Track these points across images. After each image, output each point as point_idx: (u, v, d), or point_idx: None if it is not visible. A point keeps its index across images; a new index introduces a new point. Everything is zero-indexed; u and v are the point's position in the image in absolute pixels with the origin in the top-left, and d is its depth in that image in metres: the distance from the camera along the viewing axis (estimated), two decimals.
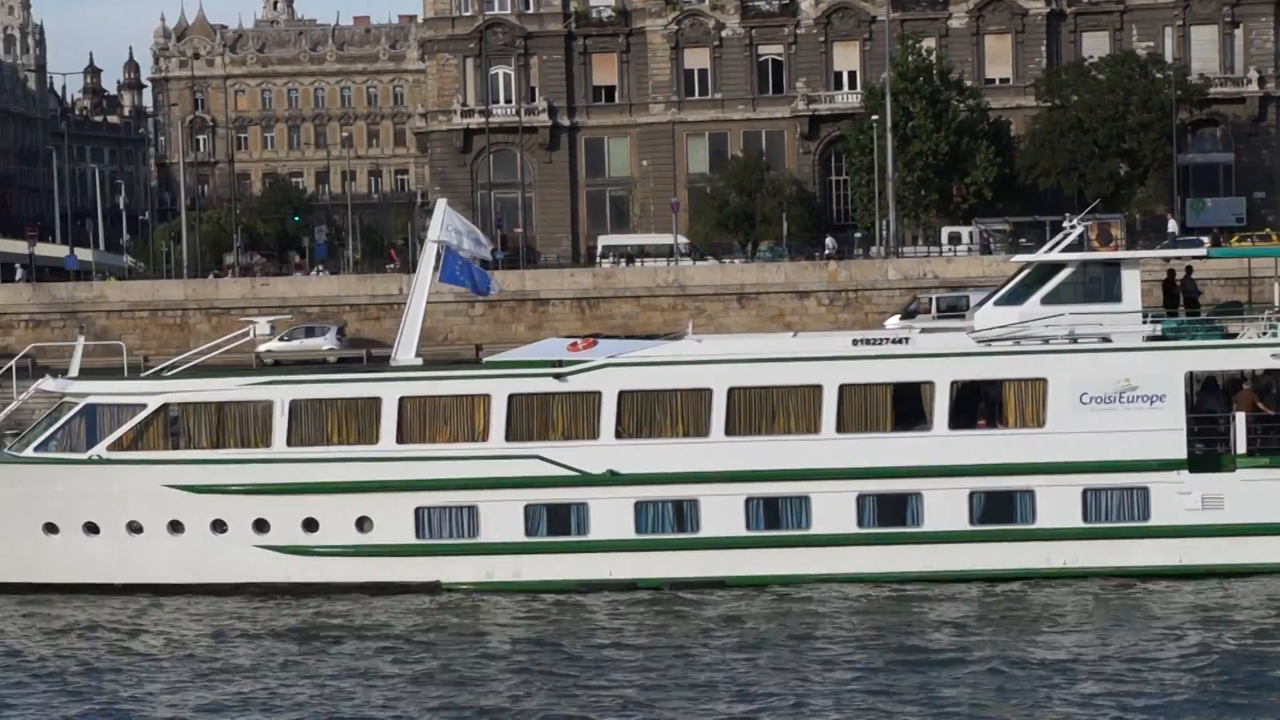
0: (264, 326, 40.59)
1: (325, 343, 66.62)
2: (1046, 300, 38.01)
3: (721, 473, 36.75)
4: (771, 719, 27.77)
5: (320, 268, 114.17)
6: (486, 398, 37.17)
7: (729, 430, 36.98)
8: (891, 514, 36.79)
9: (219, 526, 37.14)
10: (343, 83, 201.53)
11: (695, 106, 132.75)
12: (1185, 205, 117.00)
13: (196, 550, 37.25)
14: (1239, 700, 28.30)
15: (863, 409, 36.97)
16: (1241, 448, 36.79)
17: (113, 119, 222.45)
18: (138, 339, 72.56)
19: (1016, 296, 38.43)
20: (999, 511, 36.72)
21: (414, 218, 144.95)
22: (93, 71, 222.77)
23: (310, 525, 37.05)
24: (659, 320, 76.59)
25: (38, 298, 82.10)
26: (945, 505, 36.64)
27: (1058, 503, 36.58)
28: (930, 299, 72.49)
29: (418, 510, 36.99)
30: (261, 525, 37.08)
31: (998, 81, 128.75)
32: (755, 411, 37.05)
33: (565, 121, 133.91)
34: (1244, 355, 37.61)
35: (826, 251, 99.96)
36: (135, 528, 37.33)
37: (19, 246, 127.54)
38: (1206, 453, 37.07)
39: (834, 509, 36.71)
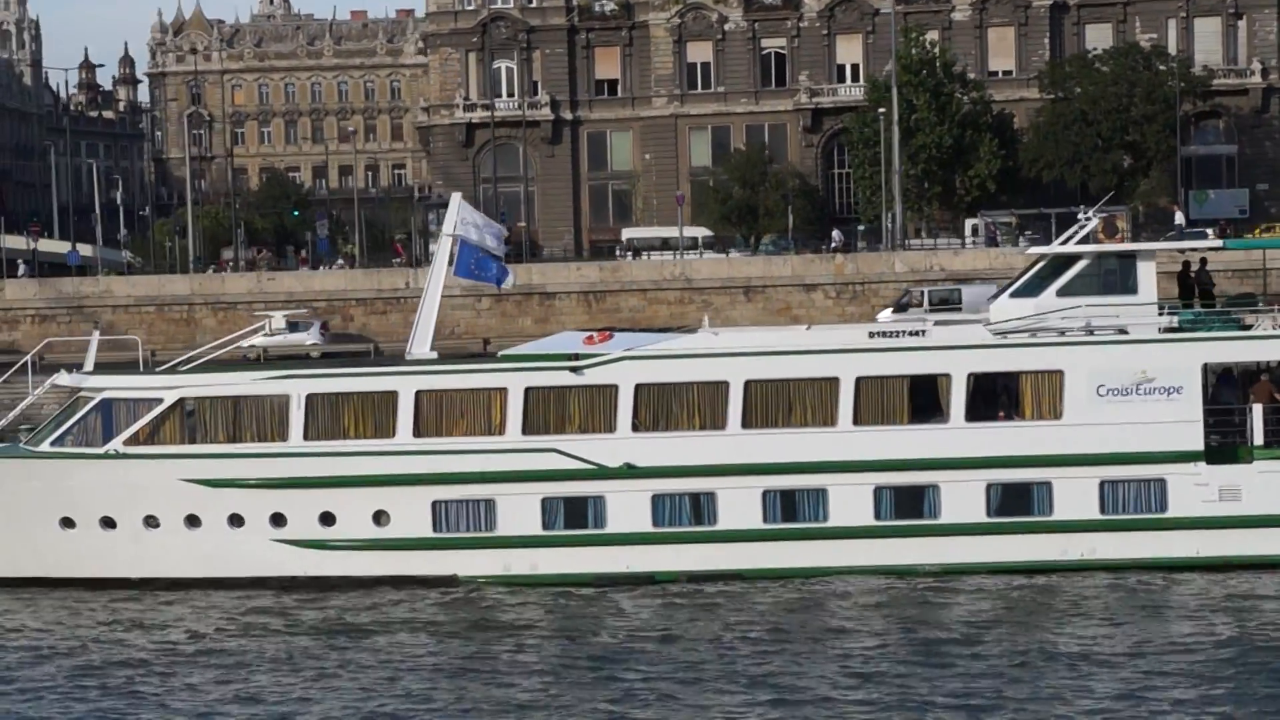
0: (279, 321, 40.44)
1: (309, 338, 66.62)
2: (1062, 292, 38.02)
3: (738, 465, 36.76)
4: (790, 712, 27.70)
5: (340, 261, 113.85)
6: (503, 391, 37.16)
7: (746, 423, 36.97)
8: (908, 506, 36.79)
9: (236, 520, 37.14)
10: (340, 77, 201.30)
11: (698, 100, 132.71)
12: (1188, 197, 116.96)
13: (213, 544, 37.23)
14: (1257, 692, 28.32)
15: (879, 401, 36.98)
16: (1259, 439, 36.84)
17: (108, 114, 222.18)
18: (144, 334, 72.32)
19: (1032, 289, 38.42)
20: (1016, 503, 36.73)
21: (411, 211, 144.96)
22: (88, 67, 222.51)
23: (327, 519, 37.04)
24: (666, 313, 76.60)
25: (44, 293, 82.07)
26: (962, 497, 36.65)
27: (1075, 494, 36.58)
28: (922, 292, 72.60)
29: (435, 504, 36.97)
30: (278, 519, 37.07)
31: (1000, 74, 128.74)
32: (772, 404, 37.06)
33: (568, 115, 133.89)
34: (1261, 347, 37.65)
35: (832, 244, 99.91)
36: (152, 522, 37.32)
37: (17, 242, 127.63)
38: (1224, 444, 37.10)
39: (851, 501, 36.71)
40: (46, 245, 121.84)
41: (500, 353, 39.54)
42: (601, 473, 36.81)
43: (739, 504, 36.77)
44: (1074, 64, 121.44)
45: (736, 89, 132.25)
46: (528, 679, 29.89)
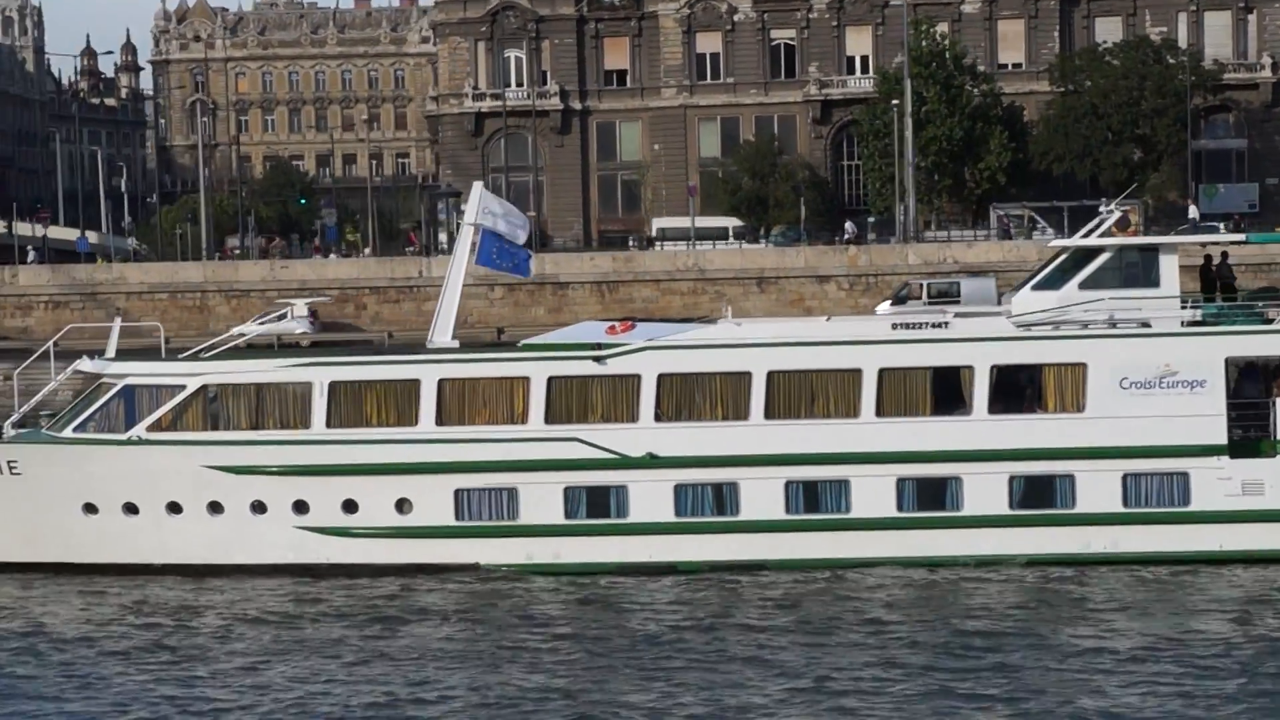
0: (302, 309, 40.44)
1: (299, 326, 66.47)
2: (1084, 285, 38.01)
3: (761, 456, 36.77)
4: (815, 703, 27.68)
5: (367, 249, 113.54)
6: (526, 380, 37.20)
7: (768, 414, 37.00)
8: (931, 498, 36.82)
9: (258, 508, 37.17)
10: (344, 66, 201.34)
11: (707, 91, 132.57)
12: (1198, 192, 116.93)
13: (236, 531, 37.29)
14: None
15: (902, 393, 37.01)
16: None
17: (110, 101, 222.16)
18: (157, 320, 72.32)
19: (1054, 281, 38.43)
20: (1039, 496, 36.75)
21: (416, 200, 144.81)
22: (89, 54, 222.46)
23: (350, 507, 37.08)
24: (679, 304, 76.54)
25: (57, 279, 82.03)
26: (985, 489, 36.66)
27: (1098, 487, 36.60)
28: (921, 285, 72.55)
29: (457, 492, 37.02)
30: (301, 506, 37.11)
31: (1010, 67, 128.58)
32: (795, 395, 37.09)
33: (577, 105, 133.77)
34: None
35: (846, 236, 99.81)
36: (175, 508, 37.36)
37: (22, 229, 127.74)
38: (1246, 438, 37.08)
39: (873, 493, 36.74)
40: (55, 232, 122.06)
41: (522, 342, 39.55)
42: (624, 462, 36.84)
43: (761, 494, 36.80)
44: (1084, 57, 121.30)
45: (746, 80, 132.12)
46: (562, 667, 29.91)
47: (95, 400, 38.11)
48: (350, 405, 37.37)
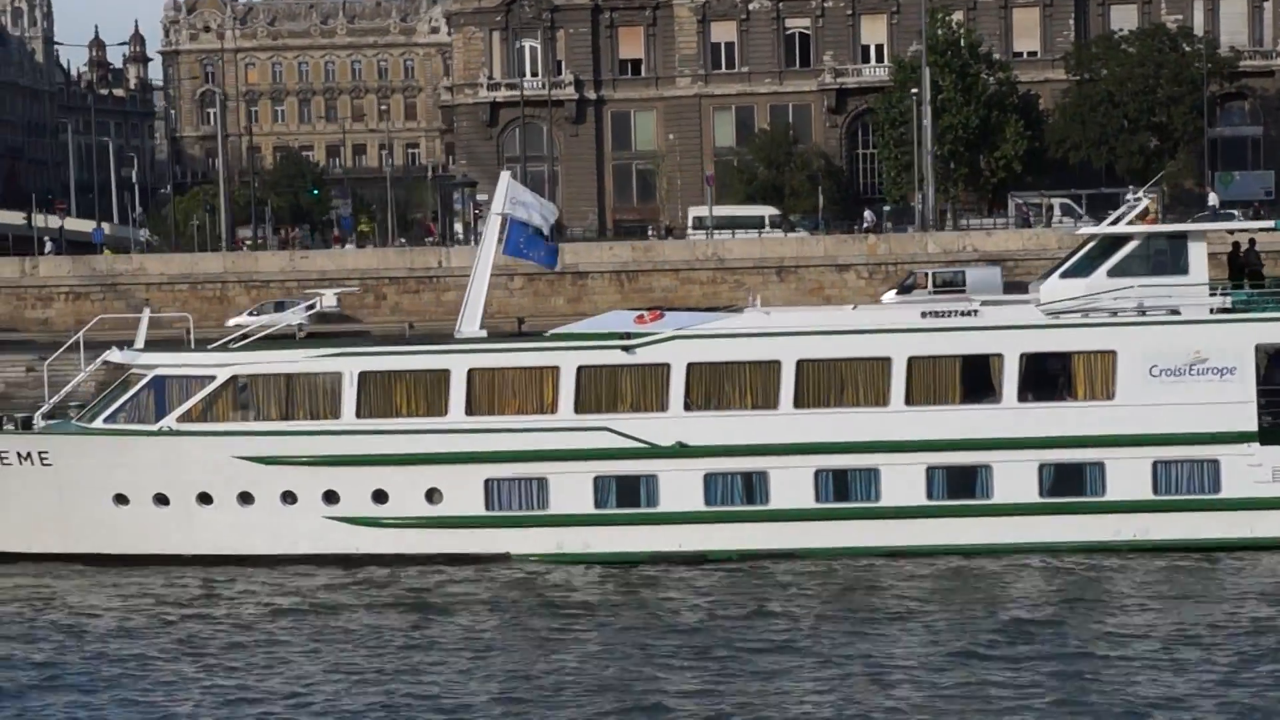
0: (330, 299, 40.53)
1: (295, 318, 66.66)
2: (1113, 273, 37.98)
3: (790, 445, 36.79)
4: (847, 692, 27.67)
5: (402, 240, 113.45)
6: (555, 370, 37.22)
7: (798, 403, 37.01)
8: (961, 486, 36.81)
9: (289, 498, 37.22)
10: (353, 56, 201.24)
11: (722, 80, 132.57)
12: (1214, 179, 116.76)
13: (266, 521, 37.31)
14: None
15: (932, 381, 37.01)
16: None
17: (118, 92, 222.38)
18: (178, 311, 72.58)
19: (1083, 269, 38.39)
20: (1069, 484, 36.74)
21: (427, 190, 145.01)
22: (98, 45, 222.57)
23: (380, 497, 37.11)
24: (698, 294, 76.58)
25: (77, 270, 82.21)
26: (1015, 477, 36.66)
27: (1128, 475, 36.59)
28: (927, 274, 72.66)
29: (487, 482, 37.04)
30: (331, 497, 37.15)
31: (1025, 55, 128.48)
32: (824, 384, 37.09)
33: (592, 95, 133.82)
34: None
35: (865, 225, 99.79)
36: (205, 499, 37.42)
37: (15, 217, 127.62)
38: (1277, 425, 37.03)
39: (903, 481, 36.75)
40: (70, 224, 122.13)
41: (551, 331, 39.56)
42: (654, 451, 36.86)
43: (791, 483, 36.80)
44: (1100, 45, 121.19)
45: (760, 69, 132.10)
46: (596, 657, 29.94)
47: (125, 391, 38.16)
48: (380, 395, 37.40)
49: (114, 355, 39.16)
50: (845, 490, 36.93)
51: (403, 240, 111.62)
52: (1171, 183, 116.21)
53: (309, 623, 32.97)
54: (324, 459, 37.06)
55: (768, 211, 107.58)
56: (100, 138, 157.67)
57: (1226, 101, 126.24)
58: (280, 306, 72.71)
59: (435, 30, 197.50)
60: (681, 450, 36.86)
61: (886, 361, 36.98)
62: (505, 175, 40.92)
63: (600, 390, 37.19)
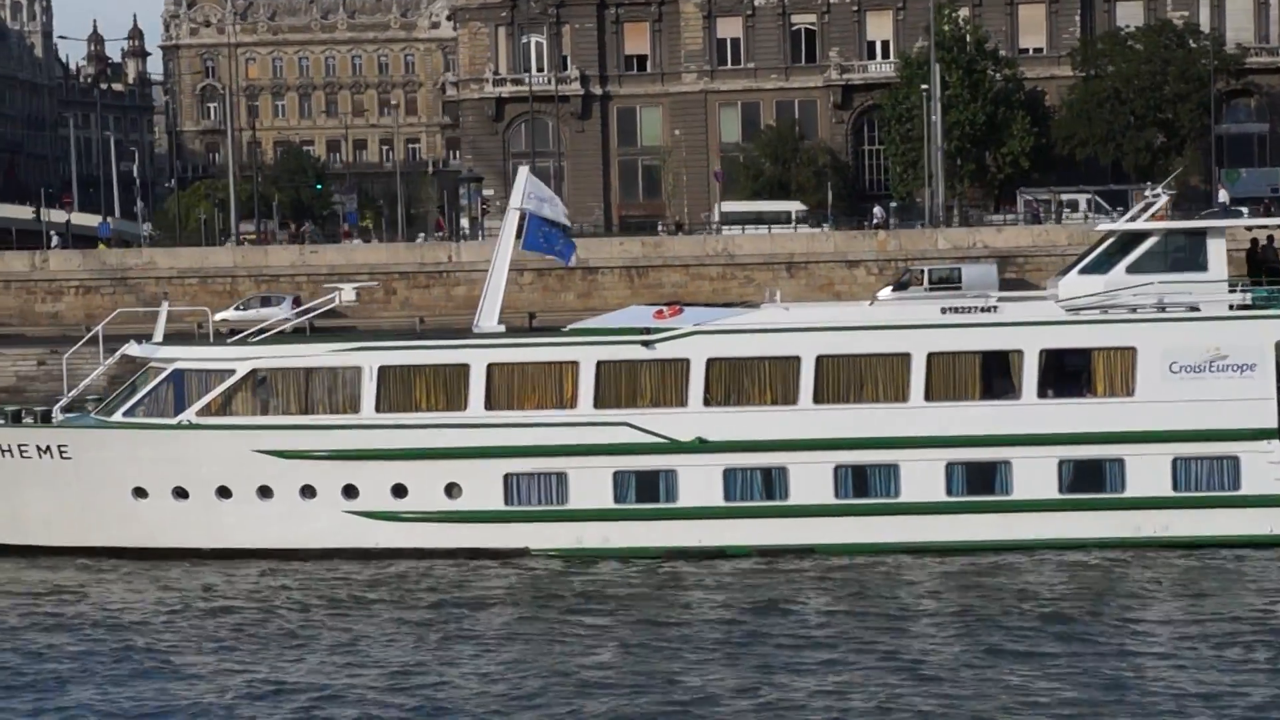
0: (349, 293, 40.39)
1: (281, 313, 66.74)
2: (1132, 269, 37.99)
3: (810, 440, 36.76)
4: (861, 690, 27.65)
5: (430, 235, 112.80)
6: (575, 365, 37.21)
7: (817, 398, 36.99)
8: (980, 482, 36.81)
9: (308, 492, 37.20)
10: (354, 51, 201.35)
11: (728, 76, 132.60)
12: (1220, 176, 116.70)
13: (285, 516, 37.31)
14: None
15: (951, 377, 37.00)
16: None
17: (117, 87, 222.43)
18: (188, 305, 72.57)
19: (1101, 265, 38.41)
20: (1088, 480, 36.74)
21: (427, 185, 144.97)
22: (97, 39, 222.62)
23: (399, 491, 37.11)
24: (708, 289, 76.54)
25: (87, 264, 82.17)
26: (1034, 474, 36.66)
27: (1147, 472, 36.60)
28: (923, 271, 72.76)
29: (507, 477, 37.04)
30: (350, 491, 37.14)
31: (1031, 51, 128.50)
32: (844, 379, 37.07)
33: (597, 90, 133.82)
34: None
35: (874, 221, 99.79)
36: (224, 493, 37.41)
37: (20, 211, 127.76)
38: None
39: (923, 477, 36.74)
40: (75, 218, 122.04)
41: (570, 326, 39.57)
42: (673, 447, 36.85)
43: (810, 479, 36.80)
44: (1107, 42, 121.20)
45: (766, 65, 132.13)
46: (617, 653, 29.92)
47: (144, 384, 38.15)
48: (399, 389, 37.40)
49: (133, 349, 39.16)
50: (864, 486, 36.92)
51: (428, 234, 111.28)
52: (1179, 180, 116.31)
53: (336, 617, 32.93)
54: (343, 453, 37.05)
55: (794, 206, 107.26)
56: (100, 132, 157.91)
57: (1232, 98, 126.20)
58: (265, 301, 72.87)
59: (436, 25, 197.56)
60: (701, 445, 36.87)
61: (906, 357, 36.98)
62: (524, 170, 40.95)
63: (620, 385, 37.17)
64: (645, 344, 37.22)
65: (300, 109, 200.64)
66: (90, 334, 40.94)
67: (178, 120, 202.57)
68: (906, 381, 36.95)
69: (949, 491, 36.82)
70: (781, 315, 38.51)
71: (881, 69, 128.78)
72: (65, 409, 39.55)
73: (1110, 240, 38.87)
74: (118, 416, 37.97)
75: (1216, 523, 36.55)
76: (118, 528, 37.80)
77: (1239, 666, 28.53)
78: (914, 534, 36.79)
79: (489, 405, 37.20)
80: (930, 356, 36.94)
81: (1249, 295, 38.01)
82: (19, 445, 37.77)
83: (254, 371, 37.67)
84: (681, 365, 37.09)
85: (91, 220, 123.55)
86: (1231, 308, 37.68)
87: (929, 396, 36.93)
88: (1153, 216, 40.04)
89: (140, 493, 37.62)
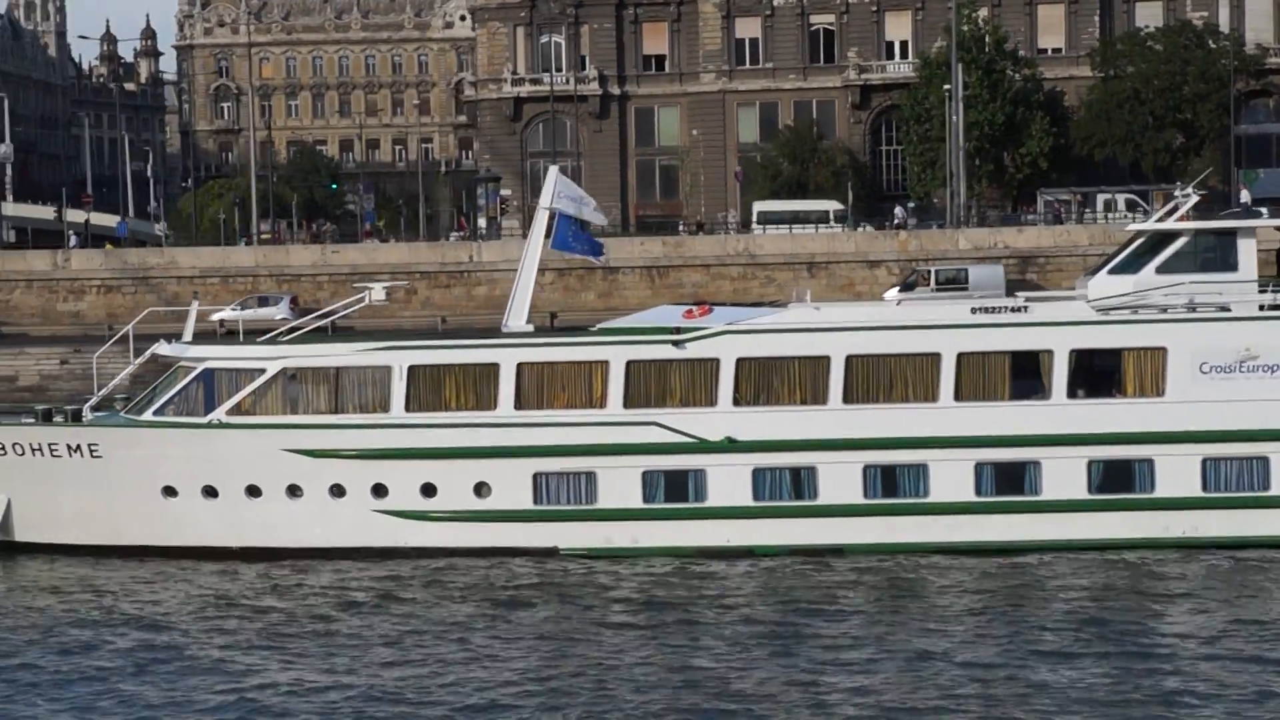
0: (379, 293, 40.43)
1: (278, 312, 66.81)
2: (1161, 269, 38.01)
3: (839, 440, 36.77)
4: (892, 690, 27.63)
5: (455, 234, 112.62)
6: (605, 364, 37.23)
7: (847, 398, 37.00)
8: (1009, 482, 36.79)
9: (337, 491, 37.25)
10: (367, 51, 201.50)
11: (746, 76, 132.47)
12: (1239, 177, 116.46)
13: (314, 515, 37.37)
14: None
15: (981, 377, 36.98)
16: None
17: (129, 86, 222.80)
18: (210, 305, 72.67)
19: (1131, 265, 38.41)
20: (1118, 480, 36.72)
21: (441, 185, 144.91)
22: (109, 39, 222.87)
23: (428, 490, 37.14)
24: (729, 289, 76.47)
25: (109, 263, 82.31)
26: (1064, 474, 36.64)
27: (1177, 472, 36.57)
28: (930, 271, 72.78)
29: (536, 476, 37.06)
30: (380, 490, 37.19)
31: (1050, 52, 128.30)
32: (873, 379, 37.07)
33: (615, 90, 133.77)
34: None
35: (895, 221, 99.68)
36: (254, 492, 37.46)
37: (35, 211, 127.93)
38: None
39: (952, 477, 36.73)
40: (93, 218, 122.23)
41: (599, 325, 39.58)
42: (702, 446, 36.87)
43: (839, 479, 36.80)
44: (1126, 42, 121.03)
45: (785, 65, 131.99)
46: (649, 652, 29.95)
47: (174, 384, 38.21)
48: (429, 389, 37.44)
49: (162, 348, 39.22)
50: (894, 486, 36.92)
51: (444, 234, 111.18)
52: (1195, 181, 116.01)
53: (373, 616, 33.00)
54: (373, 452, 37.10)
55: (832, 206, 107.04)
56: (112, 132, 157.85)
57: (1251, 99, 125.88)
58: (263, 301, 72.96)
59: (449, 25, 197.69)
60: (730, 445, 36.87)
61: (936, 357, 36.97)
62: (554, 170, 41.01)
63: (649, 385, 37.20)
64: (675, 343, 37.23)
65: (314, 109, 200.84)
66: (120, 333, 41.00)
67: (192, 120, 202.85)
68: (936, 381, 36.94)
69: (978, 492, 36.81)
70: (811, 315, 38.52)
71: (900, 69, 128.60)
72: (95, 408, 39.60)
73: (1140, 240, 38.86)
74: (148, 415, 38.07)
75: (1246, 523, 36.53)
76: (148, 526, 37.90)
77: (1267, 667, 28.53)
78: (943, 534, 36.79)
79: (518, 405, 37.24)
80: (960, 356, 36.94)
81: (1279, 295, 37.93)
82: (50, 444, 37.87)
83: (284, 371, 37.71)
84: (711, 365, 37.10)
85: (109, 220, 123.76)
86: (1262, 308, 37.62)
87: (959, 396, 36.92)
88: (1179, 218, 40.07)
89: (170, 491, 37.71)
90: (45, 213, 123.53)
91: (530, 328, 39.32)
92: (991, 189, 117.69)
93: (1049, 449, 36.67)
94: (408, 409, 37.35)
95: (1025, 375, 37.22)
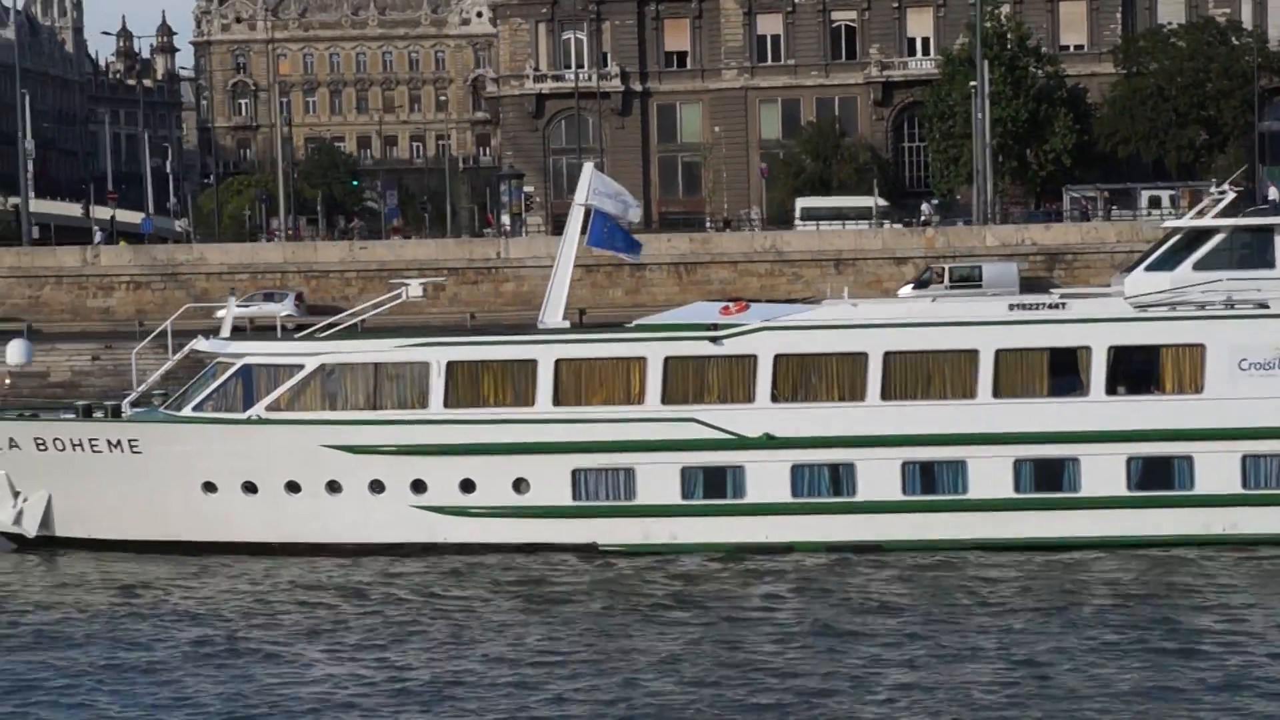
0: (416, 289, 40.51)
1: (283, 309, 66.96)
2: (1199, 266, 37.98)
3: (878, 437, 36.79)
4: (934, 687, 27.65)
5: (493, 229, 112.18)
6: (643, 361, 37.27)
7: (885, 394, 37.01)
8: (1048, 479, 36.79)
9: (376, 487, 37.35)
10: (384, 48, 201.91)
11: (768, 72, 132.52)
12: (1262, 174, 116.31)
13: (353, 510, 37.46)
14: None
15: (1019, 374, 36.99)
16: None
17: (146, 83, 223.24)
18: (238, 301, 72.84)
19: (1167, 262, 38.39)
20: (1157, 477, 36.69)
21: (455, 181, 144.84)
22: (125, 35, 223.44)
23: (467, 486, 37.23)
24: (756, 285, 76.49)
25: (138, 260, 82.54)
26: (1103, 471, 36.63)
27: (1216, 468, 36.53)
28: (944, 269, 72.85)
29: (574, 472, 37.12)
30: (419, 486, 37.28)
31: (1072, 48, 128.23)
32: (911, 376, 37.08)
33: (637, 87, 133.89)
34: None
35: (922, 218, 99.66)
36: (293, 487, 37.57)
37: (57, 207, 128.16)
38: None
39: (990, 474, 36.72)
40: (107, 212, 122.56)
41: (636, 322, 39.64)
42: (740, 443, 36.89)
43: (878, 475, 36.81)
44: (1149, 39, 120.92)
45: (807, 62, 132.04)
46: (703, 648, 29.99)
47: (213, 380, 38.33)
48: (468, 385, 37.49)
49: (201, 344, 39.31)
50: (932, 482, 36.93)
51: (491, 229, 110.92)
52: (1219, 178, 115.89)
53: (414, 610, 33.12)
54: (411, 448, 37.19)
55: (875, 202, 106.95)
56: (129, 129, 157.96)
57: (1275, 95, 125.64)
58: (269, 297, 73.12)
59: (466, 22, 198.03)
60: (768, 441, 36.91)
61: (974, 354, 36.98)
62: (589, 166, 41.01)
63: (687, 381, 37.21)
64: (713, 340, 37.27)
65: (331, 105, 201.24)
66: (159, 329, 41.13)
67: (210, 116, 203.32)
68: (974, 378, 36.95)
69: (1016, 488, 36.81)
70: (849, 311, 38.58)
71: (922, 65, 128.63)
72: (133, 404, 39.74)
73: (1176, 237, 38.84)
74: (187, 411, 38.17)
75: None
76: (187, 522, 38.02)
77: None
78: (981, 530, 36.76)
79: (557, 401, 37.28)
80: (998, 353, 36.94)
81: None
82: (90, 440, 38.00)
83: (322, 366, 37.81)
84: (749, 361, 37.12)
85: (132, 217, 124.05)
86: None
87: (997, 393, 36.91)
88: (1200, 214, 40.09)
89: (210, 487, 37.83)
90: (71, 209, 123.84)
91: (567, 324, 39.40)
92: (1014, 186, 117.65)
93: (1087, 446, 36.65)
94: (446, 405, 37.42)
95: (1063, 372, 37.21)
